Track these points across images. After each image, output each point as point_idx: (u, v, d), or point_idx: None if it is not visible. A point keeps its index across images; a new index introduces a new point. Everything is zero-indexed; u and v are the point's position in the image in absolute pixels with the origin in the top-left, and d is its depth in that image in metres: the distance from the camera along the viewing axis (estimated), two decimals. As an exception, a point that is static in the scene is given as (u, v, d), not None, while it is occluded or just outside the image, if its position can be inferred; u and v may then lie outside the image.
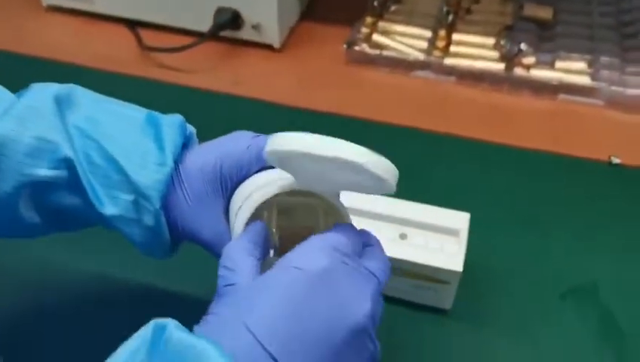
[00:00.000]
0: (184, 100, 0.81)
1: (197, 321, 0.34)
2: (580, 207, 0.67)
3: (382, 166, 0.35)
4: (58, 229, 0.47)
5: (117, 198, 0.43)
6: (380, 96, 0.82)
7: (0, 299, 0.58)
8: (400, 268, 0.54)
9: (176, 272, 0.59)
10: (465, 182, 0.70)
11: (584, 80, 0.80)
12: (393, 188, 0.36)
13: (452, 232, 0.56)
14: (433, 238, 0.56)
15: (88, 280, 0.60)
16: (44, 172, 0.42)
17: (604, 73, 0.80)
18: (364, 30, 0.88)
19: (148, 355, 0.30)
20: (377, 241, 0.39)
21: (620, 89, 0.79)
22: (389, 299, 0.57)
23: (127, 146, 0.43)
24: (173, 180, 0.43)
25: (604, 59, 0.82)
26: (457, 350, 0.55)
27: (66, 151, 0.42)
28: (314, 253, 0.33)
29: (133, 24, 0.91)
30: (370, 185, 0.36)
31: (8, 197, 0.42)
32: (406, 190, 0.62)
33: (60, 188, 0.43)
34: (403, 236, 0.56)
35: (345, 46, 0.85)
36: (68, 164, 0.42)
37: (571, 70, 0.81)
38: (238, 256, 0.36)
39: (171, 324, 0.31)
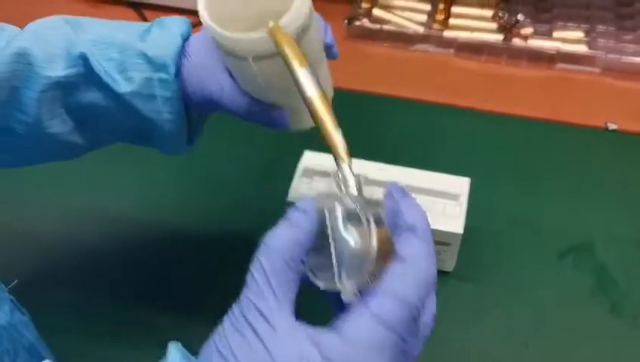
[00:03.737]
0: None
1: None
2: (577, 171, 0.69)
3: None
4: (88, 139, 0.49)
5: (132, 78, 0.45)
6: (381, 69, 0.84)
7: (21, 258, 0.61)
8: (404, 232, 0.57)
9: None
10: (465, 149, 0.72)
11: (581, 48, 0.82)
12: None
13: (453, 197, 0.58)
14: (435, 203, 0.58)
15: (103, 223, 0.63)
16: (62, 71, 0.45)
17: (601, 41, 0.82)
18: (365, 5, 0.89)
19: None
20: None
21: (617, 56, 0.80)
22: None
23: (137, 38, 0.46)
24: (182, 52, 0.46)
25: (600, 27, 0.84)
26: (460, 309, 0.58)
27: (80, 48, 0.45)
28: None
29: (137, 5, 0.93)
30: None
31: (36, 103, 0.44)
32: (409, 158, 0.65)
33: (79, 85, 0.46)
34: (406, 201, 0.58)
35: (346, 21, 0.87)
36: (83, 61, 0.45)
37: (568, 39, 0.83)
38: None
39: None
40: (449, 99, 0.79)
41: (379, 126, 0.76)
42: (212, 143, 0.74)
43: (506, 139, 0.74)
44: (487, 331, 0.56)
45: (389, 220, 0.32)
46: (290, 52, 0.37)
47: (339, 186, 0.33)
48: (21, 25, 0.81)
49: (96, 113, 0.47)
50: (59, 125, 0.46)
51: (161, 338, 0.55)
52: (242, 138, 0.74)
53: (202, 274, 0.61)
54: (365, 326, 0.28)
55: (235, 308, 0.29)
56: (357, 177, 0.33)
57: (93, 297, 0.59)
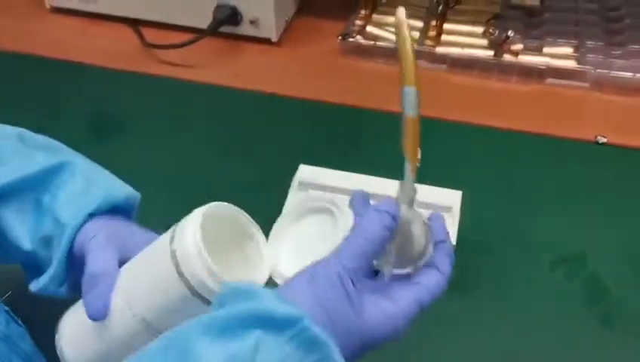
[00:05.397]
0: (186, 95, 0.85)
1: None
2: (568, 184, 0.71)
3: None
4: None
5: None
6: (375, 85, 0.85)
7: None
8: (397, 244, 0.58)
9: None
10: (457, 163, 0.73)
11: (570, 64, 0.84)
12: None
13: (445, 209, 0.59)
14: (427, 215, 0.59)
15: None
16: None
17: (590, 57, 0.84)
18: (358, 22, 0.91)
19: (268, 329, 0.33)
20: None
21: (605, 71, 0.82)
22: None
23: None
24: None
25: (589, 43, 0.86)
26: (452, 320, 0.58)
27: None
28: (404, 324, 0.39)
29: (135, 23, 0.94)
30: None
31: None
32: (402, 171, 0.65)
33: None
34: (399, 214, 0.59)
35: (340, 38, 0.88)
36: None
37: (558, 55, 0.85)
38: None
39: (307, 316, 0.34)
40: (441, 114, 0.80)
41: (372, 140, 0.77)
42: (207, 156, 0.76)
43: (497, 153, 0.75)
44: (479, 342, 0.57)
45: (434, 241, 0.42)
46: (408, 59, 0.41)
47: (405, 194, 0.42)
48: (20, 41, 0.81)
49: None
50: None
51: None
52: (238, 151, 0.76)
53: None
54: (411, 304, 0.39)
55: (335, 275, 0.36)
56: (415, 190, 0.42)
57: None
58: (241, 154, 0.75)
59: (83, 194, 0.47)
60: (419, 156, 0.43)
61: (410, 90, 0.41)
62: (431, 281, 0.40)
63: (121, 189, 0.49)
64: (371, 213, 0.39)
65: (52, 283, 0.46)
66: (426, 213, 0.43)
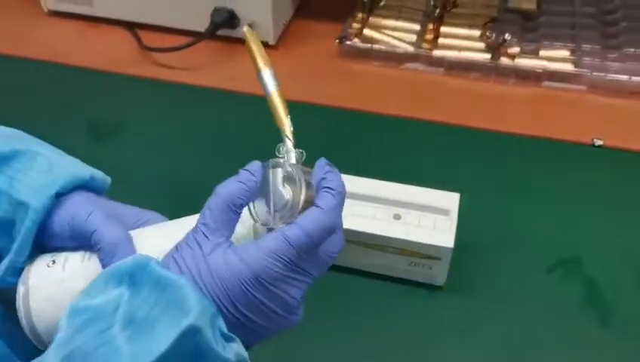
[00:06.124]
0: (184, 98, 0.85)
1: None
2: (565, 187, 0.71)
3: None
4: None
5: None
6: (373, 88, 0.85)
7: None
8: (395, 247, 0.58)
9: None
10: (455, 165, 0.73)
11: (567, 67, 0.84)
12: None
13: (443, 212, 0.59)
14: (425, 218, 0.59)
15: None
16: None
17: (587, 60, 0.84)
18: (356, 25, 0.91)
19: (130, 284, 0.36)
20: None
21: (602, 74, 0.82)
22: (385, 278, 0.61)
23: None
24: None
25: (586, 46, 0.86)
26: (451, 323, 0.58)
27: None
28: (267, 260, 0.38)
29: (132, 26, 0.94)
30: None
31: None
32: (400, 173, 0.66)
33: None
34: (397, 216, 0.59)
35: (337, 41, 0.89)
36: None
37: (555, 58, 0.85)
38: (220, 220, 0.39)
39: (153, 260, 0.37)
40: (439, 117, 0.80)
41: (370, 143, 0.77)
42: (205, 159, 0.76)
43: (494, 156, 0.75)
44: (477, 345, 0.57)
45: (316, 184, 0.41)
46: (257, 52, 0.46)
47: (282, 156, 0.43)
48: (18, 45, 0.81)
49: None
50: None
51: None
52: (236, 154, 0.75)
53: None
54: (274, 239, 0.38)
55: (190, 233, 0.39)
56: (298, 152, 0.43)
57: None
58: (239, 157, 0.74)
59: (45, 174, 0.45)
60: (289, 122, 0.46)
61: (267, 73, 0.45)
62: (303, 217, 0.39)
63: (86, 170, 0.48)
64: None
65: (10, 270, 0.43)
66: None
